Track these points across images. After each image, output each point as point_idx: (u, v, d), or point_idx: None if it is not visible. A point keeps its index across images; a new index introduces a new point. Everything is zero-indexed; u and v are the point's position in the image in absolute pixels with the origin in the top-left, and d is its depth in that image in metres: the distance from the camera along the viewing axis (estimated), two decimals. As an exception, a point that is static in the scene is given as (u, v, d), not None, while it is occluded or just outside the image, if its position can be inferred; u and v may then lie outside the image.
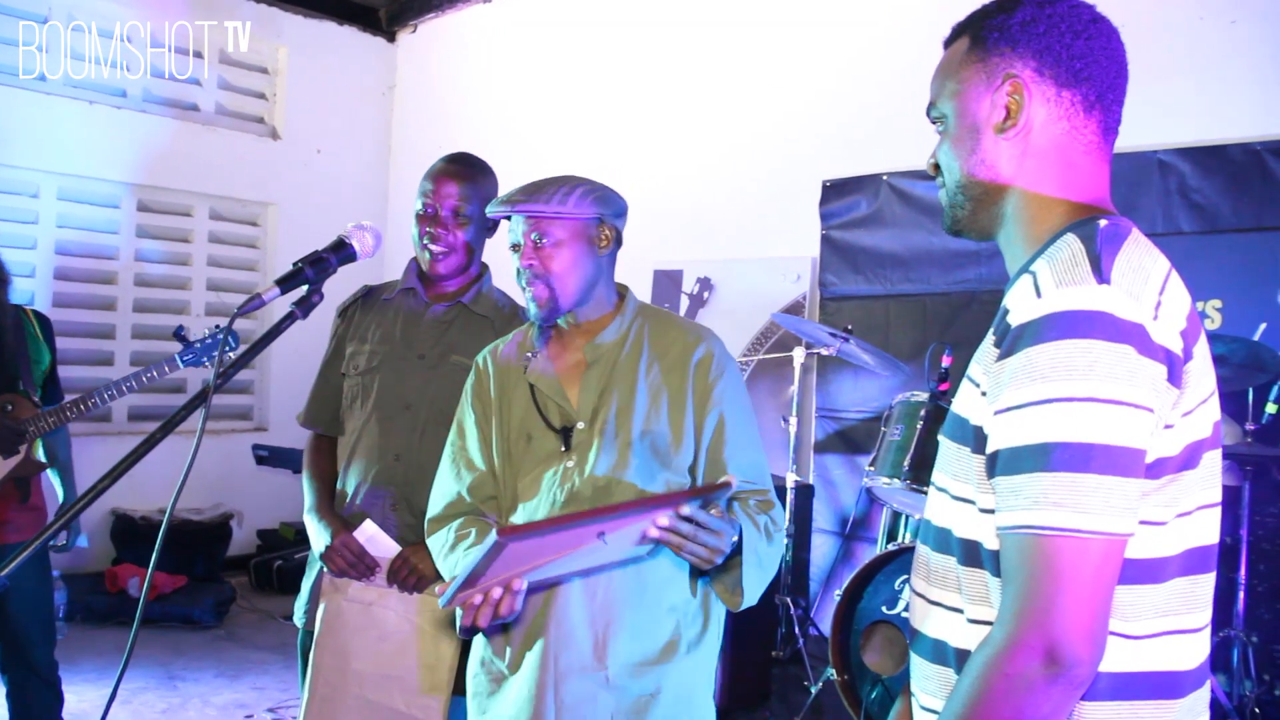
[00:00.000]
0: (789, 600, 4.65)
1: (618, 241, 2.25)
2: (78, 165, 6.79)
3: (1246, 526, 3.85)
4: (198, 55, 7.37)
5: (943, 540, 1.43)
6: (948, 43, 1.53)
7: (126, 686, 5.04)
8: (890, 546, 3.78)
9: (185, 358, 3.55)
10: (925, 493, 3.91)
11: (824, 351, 4.56)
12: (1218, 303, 4.55)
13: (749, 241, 6.20)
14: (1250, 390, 3.93)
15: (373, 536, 2.65)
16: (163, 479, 6.59)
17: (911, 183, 5.54)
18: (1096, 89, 1.42)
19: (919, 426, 3.92)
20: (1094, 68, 1.42)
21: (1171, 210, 4.74)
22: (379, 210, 8.11)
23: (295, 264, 1.76)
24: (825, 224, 5.90)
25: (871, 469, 4.12)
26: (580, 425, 2.15)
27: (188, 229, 7.45)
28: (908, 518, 4.31)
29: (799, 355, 4.82)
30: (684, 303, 6.33)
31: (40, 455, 3.58)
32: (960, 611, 1.38)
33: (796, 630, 4.66)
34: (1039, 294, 1.27)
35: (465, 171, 2.73)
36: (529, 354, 2.26)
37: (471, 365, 2.46)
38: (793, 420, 4.82)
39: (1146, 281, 1.30)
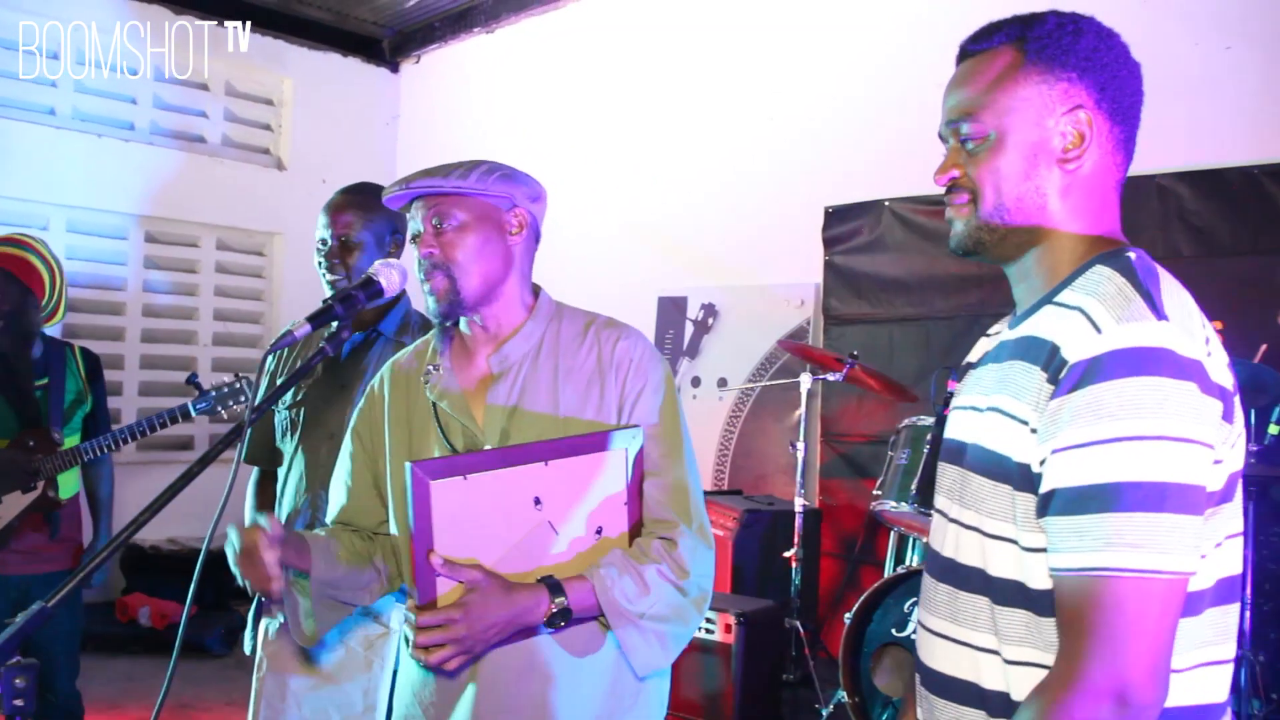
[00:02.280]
0: (798, 623, 4.67)
1: (534, 232, 2.02)
2: (86, 197, 6.85)
3: (1251, 546, 3.88)
4: (204, 88, 7.45)
5: (971, 579, 1.38)
6: (975, 46, 1.46)
7: (136, 715, 5.06)
8: (899, 569, 3.82)
9: (199, 405, 3.58)
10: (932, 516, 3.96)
11: (831, 377, 4.60)
12: (1218, 325, 4.54)
13: (752, 268, 6.25)
14: (1252, 412, 3.97)
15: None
16: (172, 509, 6.60)
17: (913, 208, 5.60)
18: (1133, 128, 1.42)
19: (925, 450, 3.96)
20: (1137, 108, 1.41)
21: (1171, 234, 4.79)
22: (384, 239, 8.15)
23: (325, 301, 1.80)
24: (828, 250, 5.96)
25: (879, 493, 4.16)
26: (487, 448, 1.89)
27: (194, 259, 7.50)
28: (915, 540, 4.34)
29: (806, 381, 4.87)
30: (688, 329, 6.38)
31: (62, 492, 3.62)
32: (994, 653, 1.35)
33: (806, 653, 4.68)
34: (1098, 330, 1.25)
35: (355, 200, 2.78)
36: (431, 366, 2.02)
37: None
38: (800, 445, 4.86)
39: (1191, 316, 1.29)
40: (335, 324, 1.83)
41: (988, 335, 1.62)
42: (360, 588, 1.98)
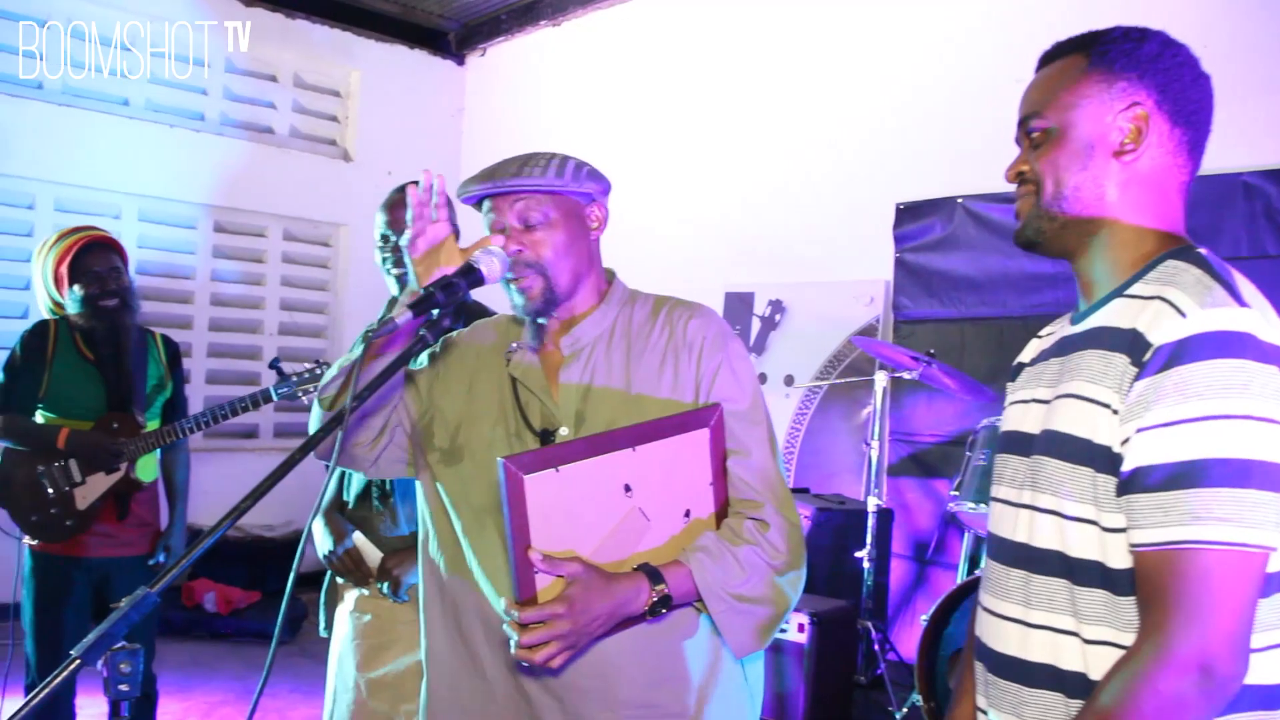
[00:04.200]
0: (870, 624, 4.61)
1: (606, 226, 2.01)
2: (157, 187, 6.93)
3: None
4: (272, 79, 7.52)
5: (1047, 562, 1.41)
6: (1049, 59, 1.54)
7: (204, 700, 5.10)
8: (977, 572, 3.74)
9: (280, 390, 3.63)
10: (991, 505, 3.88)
11: (906, 375, 4.53)
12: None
13: (821, 264, 6.18)
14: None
15: (360, 545, 2.76)
16: (238, 494, 6.66)
17: (987, 205, 5.50)
18: (1199, 134, 1.48)
19: (1006, 451, 3.87)
20: (1202, 114, 1.47)
21: (1257, 233, 4.67)
22: (448, 231, 8.18)
23: (426, 289, 1.77)
24: (899, 247, 5.88)
25: (956, 494, 4.09)
26: (564, 430, 1.86)
27: (262, 249, 7.58)
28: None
29: (881, 379, 4.79)
30: (755, 325, 6.32)
31: (142, 475, 3.65)
32: (1073, 634, 1.38)
33: (878, 654, 4.62)
34: (1183, 314, 1.29)
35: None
36: (515, 344, 1.98)
37: None
38: (875, 445, 4.79)
39: (1266, 306, 1.35)
40: (436, 312, 1.81)
41: (1039, 336, 1.69)
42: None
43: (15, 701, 3.78)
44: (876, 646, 4.62)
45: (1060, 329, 1.58)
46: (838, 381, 5.86)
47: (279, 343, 7.60)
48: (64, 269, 3.51)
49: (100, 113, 6.67)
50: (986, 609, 1.53)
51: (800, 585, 1.86)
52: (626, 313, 1.97)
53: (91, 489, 3.55)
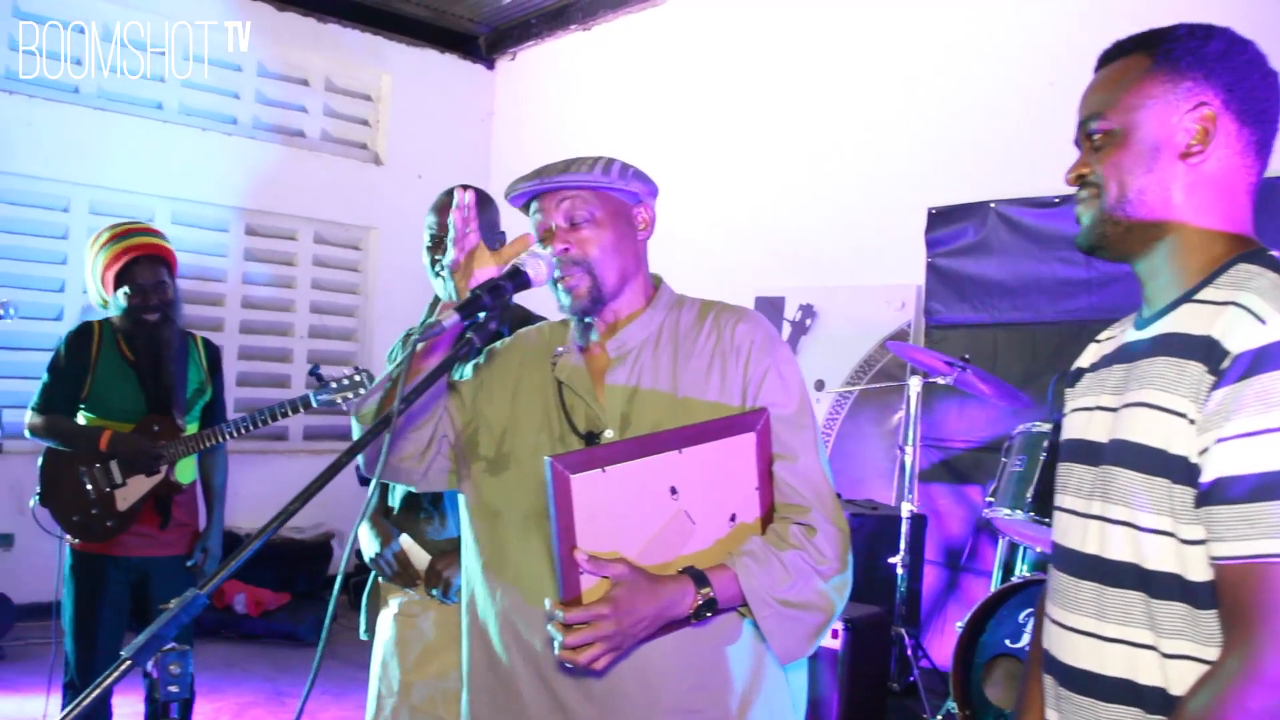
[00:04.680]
0: (903, 631, 4.58)
1: (653, 228, 2.00)
2: (190, 190, 6.98)
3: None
4: (304, 83, 7.56)
5: (1122, 575, 1.38)
6: (1109, 58, 1.52)
7: (235, 700, 5.12)
8: (1013, 579, 3.72)
9: (320, 397, 3.66)
10: (1048, 524, 3.84)
11: (941, 380, 4.50)
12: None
13: (852, 269, 6.16)
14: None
15: (407, 548, 2.78)
16: (268, 497, 6.70)
17: (1020, 210, 5.46)
18: (1267, 133, 1.45)
19: (1042, 458, 3.85)
20: (1271, 112, 1.44)
21: None
22: (477, 235, 8.20)
23: (473, 291, 1.76)
24: (931, 251, 5.84)
25: (992, 500, 4.06)
26: (609, 433, 1.85)
27: (292, 252, 7.61)
28: (1026, 550, 4.24)
29: (915, 385, 4.77)
30: (785, 329, 6.30)
31: (181, 478, 3.67)
32: (1150, 648, 1.34)
33: (911, 660, 4.59)
34: (1262, 321, 1.26)
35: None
36: (560, 348, 1.98)
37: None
38: (910, 450, 4.76)
39: None
40: (482, 315, 1.80)
41: (1098, 340, 1.67)
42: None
43: (54, 699, 3.81)
44: (910, 653, 4.59)
45: (1122, 334, 1.55)
46: (868, 387, 5.83)
47: (309, 345, 7.63)
48: (110, 274, 3.54)
49: (134, 116, 6.73)
50: (1056, 621, 1.50)
51: (846, 592, 1.84)
52: (674, 316, 1.96)
53: (132, 490, 3.58)
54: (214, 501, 3.85)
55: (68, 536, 3.59)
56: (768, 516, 1.84)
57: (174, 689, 1.45)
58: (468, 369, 2.05)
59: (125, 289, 3.53)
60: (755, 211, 6.63)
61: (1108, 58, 1.52)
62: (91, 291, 3.67)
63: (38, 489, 3.66)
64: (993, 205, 5.58)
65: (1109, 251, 1.49)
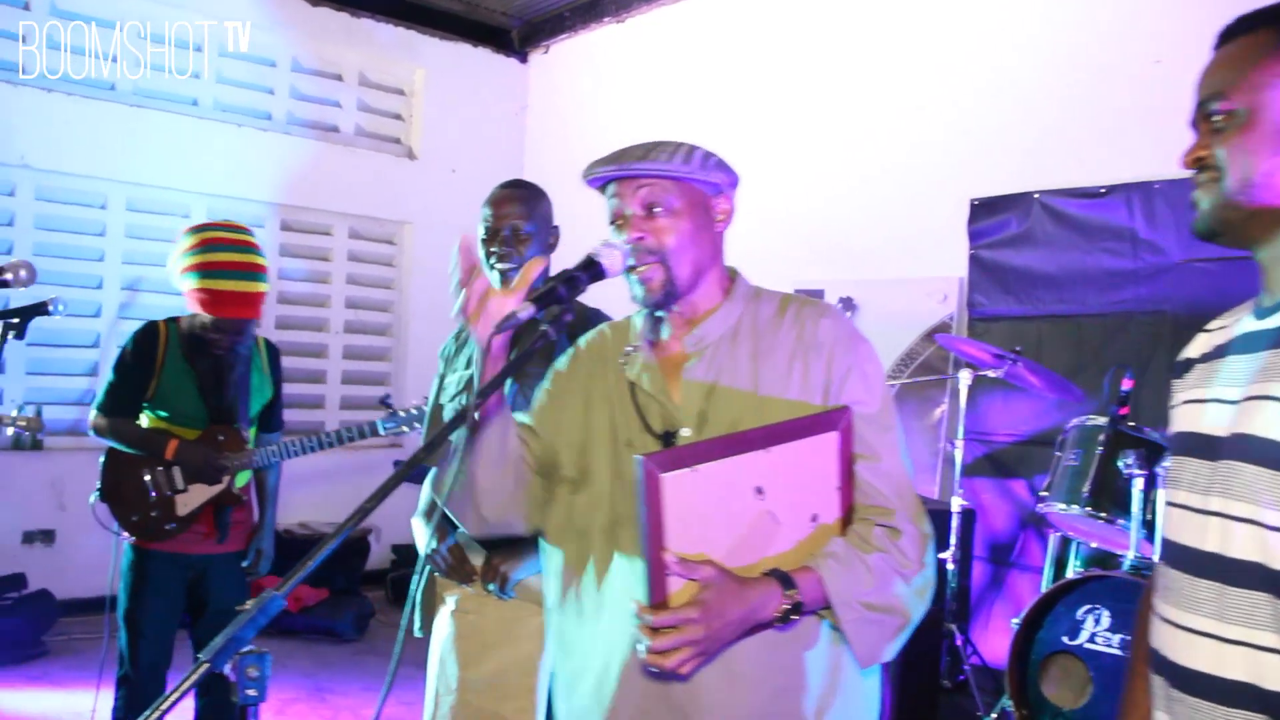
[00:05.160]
0: (954, 628, 4.52)
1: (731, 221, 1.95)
2: (226, 186, 6.98)
3: None
4: (338, 78, 7.55)
5: (1245, 574, 1.32)
6: (1231, 34, 1.45)
7: (277, 696, 5.11)
8: (1070, 575, 3.65)
9: (387, 425, 3.72)
10: (1105, 519, 3.79)
11: (991, 374, 4.43)
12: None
13: (893, 261, 6.08)
14: None
15: (464, 544, 2.76)
16: (304, 493, 6.71)
17: (1065, 201, 5.38)
18: None
19: (1098, 452, 3.78)
20: None
21: None
22: (510, 229, 8.17)
23: (548, 282, 1.73)
24: (973, 243, 5.76)
25: (1045, 494, 3.99)
26: (685, 431, 1.81)
27: (327, 248, 7.60)
28: (1078, 545, 4.17)
29: (966, 378, 4.69)
30: (825, 322, 6.24)
31: (238, 482, 3.68)
32: (1277, 652, 1.29)
33: (962, 658, 4.53)
34: None
35: (523, 194, 2.85)
36: (631, 346, 1.93)
37: (543, 372, 2.52)
38: (959, 444, 4.70)
39: None
40: (558, 307, 1.77)
41: (1207, 330, 1.59)
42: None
43: (104, 694, 3.81)
44: (961, 650, 4.53)
45: (1236, 323, 1.48)
46: (911, 381, 5.76)
47: (344, 341, 7.63)
48: (195, 299, 3.46)
49: (170, 113, 6.73)
50: (1168, 620, 1.45)
51: (928, 595, 1.79)
52: (752, 309, 1.90)
53: (193, 497, 3.59)
54: (267, 502, 3.85)
55: (125, 534, 3.58)
56: (847, 517, 1.79)
57: (253, 692, 1.41)
58: (537, 395, 2.02)
59: (205, 321, 3.48)
60: (793, 203, 6.56)
61: (1230, 34, 1.45)
62: (170, 277, 3.59)
63: (98, 485, 3.66)
64: (1037, 196, 5.50)
65: (1229, 238, 1.42)
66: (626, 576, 1.81)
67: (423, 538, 2.85)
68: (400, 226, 7.89)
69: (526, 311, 1.68)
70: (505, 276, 2.80)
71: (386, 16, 7.62)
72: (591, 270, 1.77)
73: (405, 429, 3.64)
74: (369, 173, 7.59)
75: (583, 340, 2.06)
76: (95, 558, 6.10)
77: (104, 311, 6.61)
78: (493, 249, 2.81)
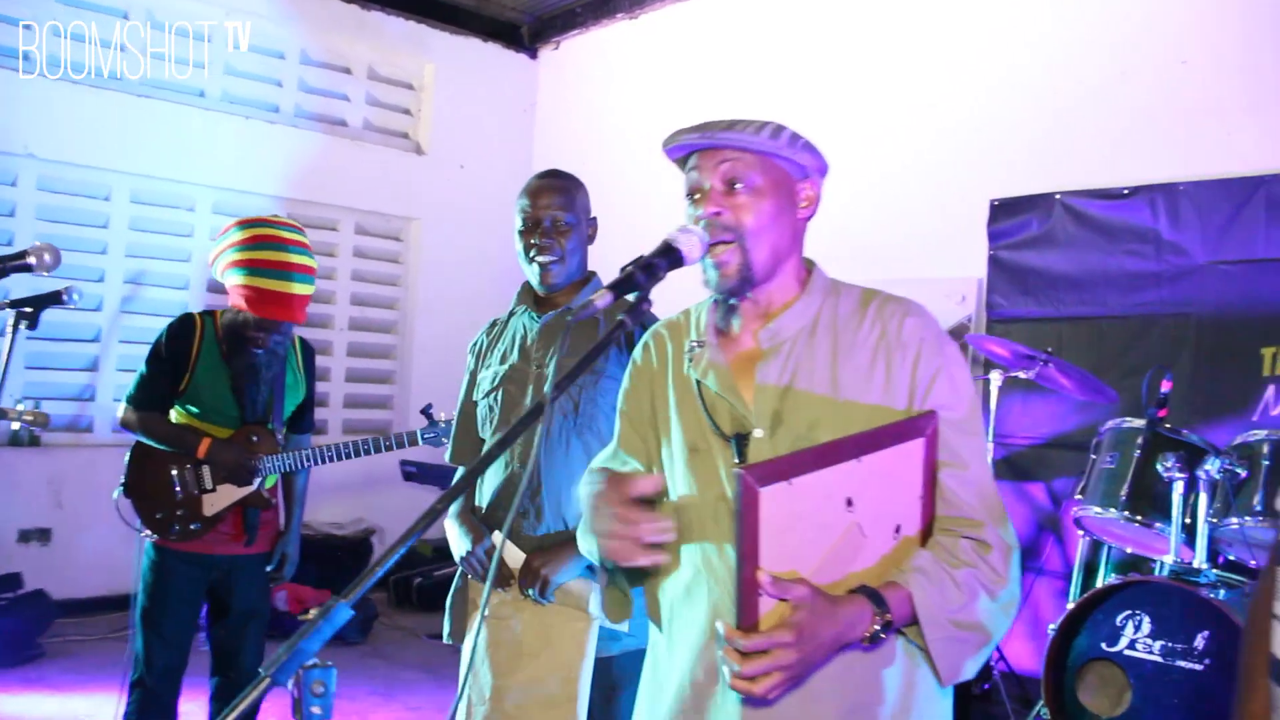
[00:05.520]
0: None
1: (816, 209, 1.83)
2: (232, 179, 6.87)
3: None
4: (346, 71, 7.45)
5: None
6: None
7: (284, 702, 5.00)
8: (1110, 580, 3.57)
9: (427, 435, 3.64)
10: (1142, 523, 3.70)
11: (1022, 375, 4.34)
12: None
13: (911, 261, 6.00)
14: None
15: (500, 546, 2.65)
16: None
17: (1087, 201, 5.30)
18: None
19: (1136, 455, 3.70)
20: None
21: (1277, 235, 4.52)
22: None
23: (624, 269, 1.64)
24: (993, 244, 5.69)
25: (1080, 498, 3.91)
26: (758, 433, 1.70)
27: (334, 243, 7.50)
28: (1109, 549, 4.09)
29: (996, 379, 4.61)
30: (841, 323, 6.16)
31: (266, 487, 3.58)
32: None
33: (991, 664, 4.45)
34: None
35: (561, 184, 2.79)
36: (694, 342, 1.82)
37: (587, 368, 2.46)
38: (990, 447, 4.62)
39: None
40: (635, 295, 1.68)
41: None
42: None
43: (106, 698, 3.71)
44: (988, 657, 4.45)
45: None
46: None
47: (349, 338, 7.52)
48: (240, 294, 3.36)
49: (177, 104, 6.62)
50: None
51: (1014, 611, 1.69)
52: (831, 304, 1.79)
53: (221, 498, 3.49)
54: (294, 504, 3.74)
55: (146, 532, 3.47)
56: (927, 528, 1.69)
57: (317, 710, 1.32)
58: (620, 397, 1.94)
59: (248, 319, 3.37)
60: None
61: None
62: (214, 265, 3.48)
63: (122, 479, 3.55)
64: (1058, 197, 5.43)
65: None
66: (696, 590, 1.73)
67: (456, 540, 2.76)
68: (408, 223, 7.79)
69: (604, 300, 1.58)
70: (546, 269, 2.73)
71: (396, 10, 7.52)
72: (670, 256, 1.68)
73: (445, 440, 3.54)
74: (377, 168, 7.49)
75: (638, 351, 1.95)
76: (94, 557, 6.02)
77: (105, 305, 6.50)
78: (532, 241, 2.74)
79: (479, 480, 2.81)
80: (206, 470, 3.47)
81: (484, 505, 2.78)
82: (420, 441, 3.63)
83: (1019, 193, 5.59)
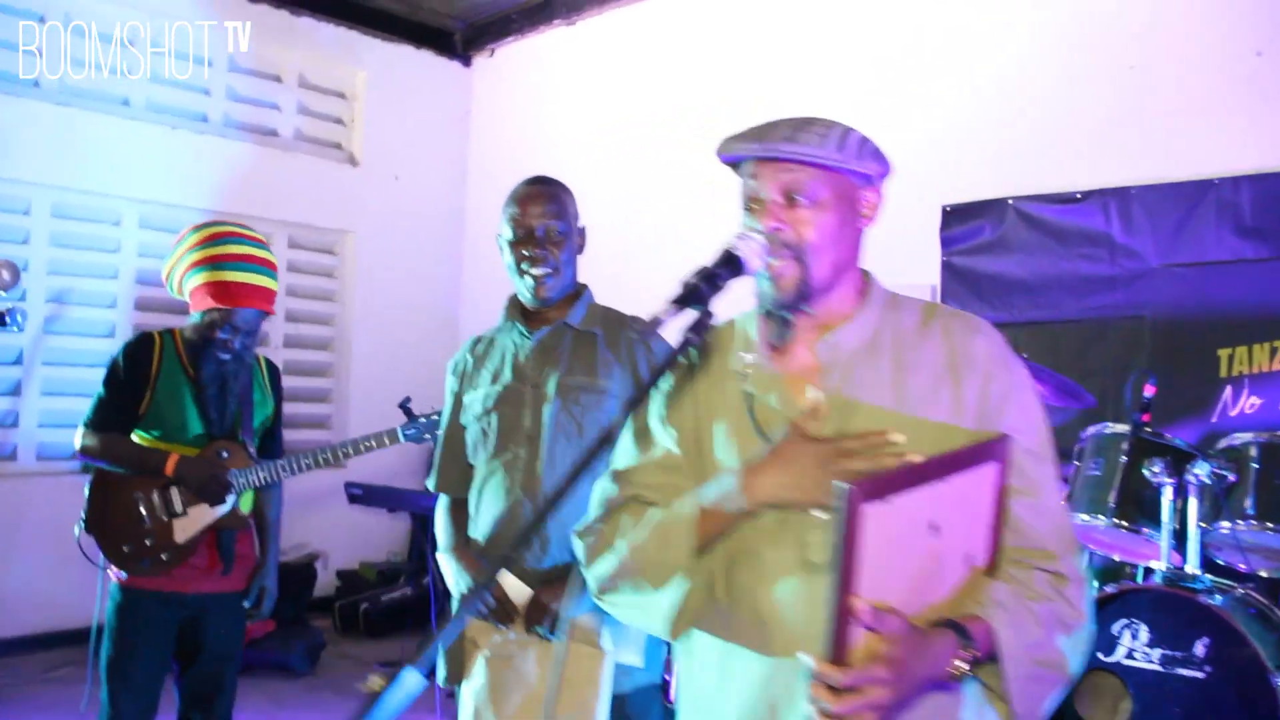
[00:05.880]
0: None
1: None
2: (159, 192, 6.58)
3: None
4: (277, 80, 7.20)
5: None
6: None
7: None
8: (1105, 589, 3.53)
9: (408, 432, 3.39)
10: (1130, 529, 3.67)
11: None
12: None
13: (865, 267, 5.96)
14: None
15: (503, 582, 2.52)
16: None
17: (1040, 206, 5.31)
18: None
19: (1122, 460, 3.67)
20: None
21: (1227, 237, 4.60)
22: (456, 238, 7.89)
23: (688, 282, 1.52)
24: (946, 250, 5.67)
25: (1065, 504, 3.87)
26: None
27: (266, 258, 7.22)
28: (1091, 557, 4.06)
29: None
30: (795, 332, 6.10)
31: (242, 506, 3.35)
32: None
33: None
34: None
35: (552, 191, 2.65)
36: (745, 353, 1.73)
37: (589, 385, 2.33)
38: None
39: None
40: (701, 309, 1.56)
41: None
42: None
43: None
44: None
45: None
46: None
47: (285, 356, 7.24)
48: (205, 296, 3.18)
49: (100, 113, 6.31)
50: None
51: (1086, 648, 1.61)
52: (892, 318, 1.71)
53: (193, 521, 3.24)
54: (269, 535, 3.49)
55: (114, 569, 3.22)
56: (994, 559, 1.59)
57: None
58: (667, 442, 1.76)
59: (214, 318, 3.19)
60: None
61: None
62: (168, 280, 3.31)
63: (83, 514, 3.29)
64: (1011, 201, 5.44)
65: None
66: (750, 618, 1.62)
67: (454, 576, 2.59)
68: (341, 235, 7.54)
69: (671, 314, 1.48)
70: (541, 282, 2.59)
71: (327, 16, 7.28)
72: (732, 265, 1.57)
73: (428, 436, 3.34)
74: (309, 179, 7.24)
75: (665, 383, 1.79)
76: (23, 591, 5.68)
77: (28, 326, 6.14)
78: (525, 252, 2.58)
79: (476, 511, 2.64)
80: (176, 492, 3.24)
81: (482, 538, 2.61)
82: (401, 439, 3.39)
83: (971, 198, 5.58)
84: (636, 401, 1.47)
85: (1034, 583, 1.56)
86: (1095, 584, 3.77)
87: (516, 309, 2.71)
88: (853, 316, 1.69)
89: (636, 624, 1.73)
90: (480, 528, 2.62)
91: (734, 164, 1.73)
